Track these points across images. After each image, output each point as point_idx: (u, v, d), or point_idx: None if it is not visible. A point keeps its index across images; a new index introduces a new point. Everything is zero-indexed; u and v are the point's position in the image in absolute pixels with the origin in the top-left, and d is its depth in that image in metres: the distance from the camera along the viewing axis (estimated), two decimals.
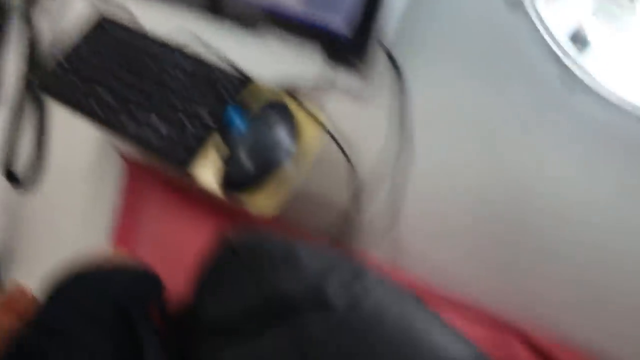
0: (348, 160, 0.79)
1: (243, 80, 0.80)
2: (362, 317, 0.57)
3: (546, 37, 0.76)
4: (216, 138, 0.77)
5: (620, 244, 0.73)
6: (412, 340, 0.56)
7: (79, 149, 0.96)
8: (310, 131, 0.77)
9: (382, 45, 0.82)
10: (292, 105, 0.78)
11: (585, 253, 0.74)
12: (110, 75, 0.82)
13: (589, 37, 0.75)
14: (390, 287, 0.62)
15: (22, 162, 0.98)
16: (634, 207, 0.74)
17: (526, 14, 0.78)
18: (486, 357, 0.59)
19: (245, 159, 0.75)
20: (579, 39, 0.76)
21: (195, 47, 0.85)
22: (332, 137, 0.78)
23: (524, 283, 0.75)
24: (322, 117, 0.77)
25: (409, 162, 0.80)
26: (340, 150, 0.79)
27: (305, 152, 0.75)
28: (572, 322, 0.72)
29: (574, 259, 0.74)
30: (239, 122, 0.76)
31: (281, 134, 0.76)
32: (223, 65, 0.81)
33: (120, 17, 0.89)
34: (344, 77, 0.84)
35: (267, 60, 0.86)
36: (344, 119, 0.81)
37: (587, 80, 0.74)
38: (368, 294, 0.59)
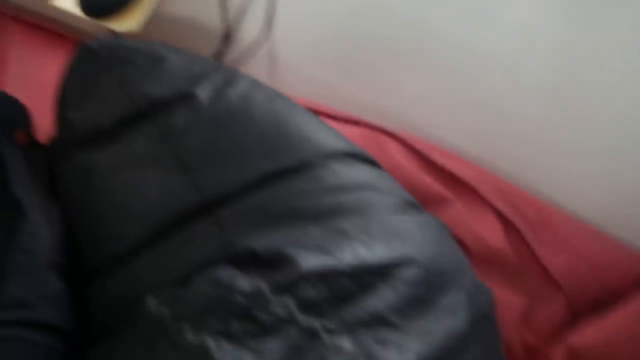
0: None
1: None
2: (228, 107, 0.56)
3: None
4: None
5: (483, 42, 0.76)
6: (281, 130, 0.57)
7: None
8: None
9: None
10: None
11: (451, 55, 0.76)
12: None
13: None
14: (263, 87, 0.62)
15: None
16: (501, 11, 0.75)
17: None
18: (361, 150, 0.62)
19: None
20: None
21: None
22: None
23: (393, 89, 0.78)
24: None
25: None
26: None
27: None
28: (441, 124, 0.76)
29: (439, 63, 0.77)
30: None
31: None
32: None
33: None
34: None
35: None
36: None
37: None
38: (236, 85, 0.59)
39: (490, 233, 0.68)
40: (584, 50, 0.79)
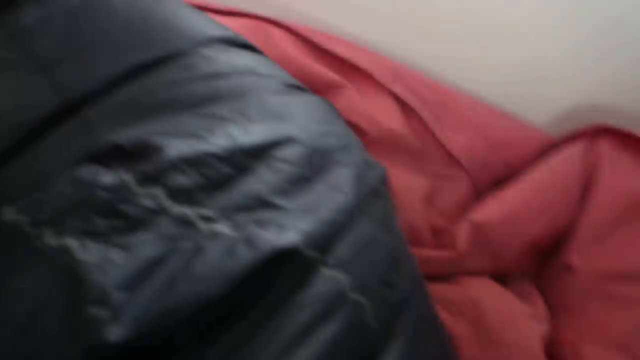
0: None
1: None
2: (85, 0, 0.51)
3: None
4: None
5: None
6: (147, 20, 0.51)
7: None
8: None
9: None
10: None
11: None
12: None
13: None
14: None
15: None
16: None
17: None
18: (237, 36, 0.57)
19: None
20: None
21: None
22: None
23: None
24: None
25: None
26: None
27: None
28: (332, 12, 0.72)
29: None
30: None
31: None
32: None
33: None
34: None
35: None
36: None
37: None
38: None
39: (388, 117, 0.66)
40: None
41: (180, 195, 0.41)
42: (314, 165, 0.45)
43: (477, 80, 0.75)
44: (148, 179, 0.41)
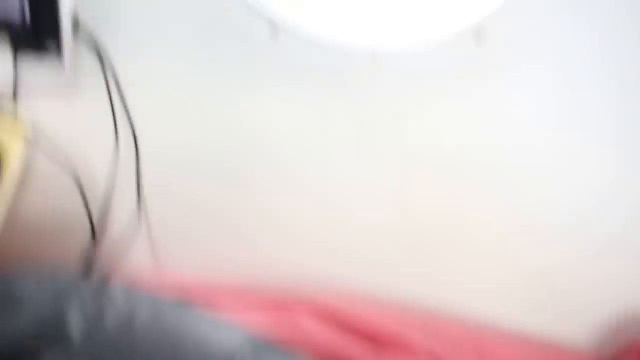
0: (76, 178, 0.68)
1: None
2: (107, 334, 0.50)
3: None
4: None
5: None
6: (171, 340, 0.52)
7: None
8: (11, 148, 0.64)
9: (78, 29, 0.69)
10: None
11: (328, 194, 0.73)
12: None
13: None
14: (141, 295, 0.55)
15: None
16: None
17: None
18: (257, 339, 0.56)
19: None
20: None
21: None
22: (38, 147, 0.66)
23: (277, 241, 0.73)
24: (25, 129, 0.65)
25: (138, 156, 0.70)
26: (57, 162, 0.67)
27: (9, 171, 0.63)
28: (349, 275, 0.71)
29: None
30: None
31: None
32: None
33: None
34: (40, 73, 0.69)
35: None
36: (53, 121, 0.68)
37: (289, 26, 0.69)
38: (110, 308, 0.52)
39: None
40: None
41: None
42: None
43: (508, 312, 0.73)
44: None
